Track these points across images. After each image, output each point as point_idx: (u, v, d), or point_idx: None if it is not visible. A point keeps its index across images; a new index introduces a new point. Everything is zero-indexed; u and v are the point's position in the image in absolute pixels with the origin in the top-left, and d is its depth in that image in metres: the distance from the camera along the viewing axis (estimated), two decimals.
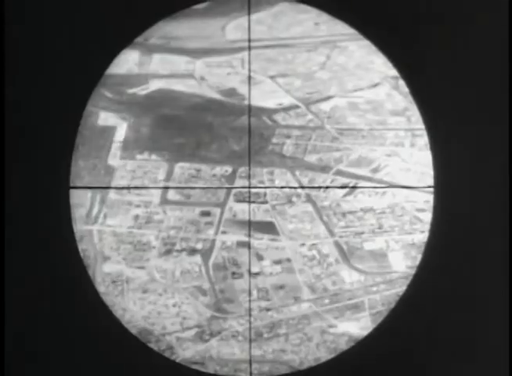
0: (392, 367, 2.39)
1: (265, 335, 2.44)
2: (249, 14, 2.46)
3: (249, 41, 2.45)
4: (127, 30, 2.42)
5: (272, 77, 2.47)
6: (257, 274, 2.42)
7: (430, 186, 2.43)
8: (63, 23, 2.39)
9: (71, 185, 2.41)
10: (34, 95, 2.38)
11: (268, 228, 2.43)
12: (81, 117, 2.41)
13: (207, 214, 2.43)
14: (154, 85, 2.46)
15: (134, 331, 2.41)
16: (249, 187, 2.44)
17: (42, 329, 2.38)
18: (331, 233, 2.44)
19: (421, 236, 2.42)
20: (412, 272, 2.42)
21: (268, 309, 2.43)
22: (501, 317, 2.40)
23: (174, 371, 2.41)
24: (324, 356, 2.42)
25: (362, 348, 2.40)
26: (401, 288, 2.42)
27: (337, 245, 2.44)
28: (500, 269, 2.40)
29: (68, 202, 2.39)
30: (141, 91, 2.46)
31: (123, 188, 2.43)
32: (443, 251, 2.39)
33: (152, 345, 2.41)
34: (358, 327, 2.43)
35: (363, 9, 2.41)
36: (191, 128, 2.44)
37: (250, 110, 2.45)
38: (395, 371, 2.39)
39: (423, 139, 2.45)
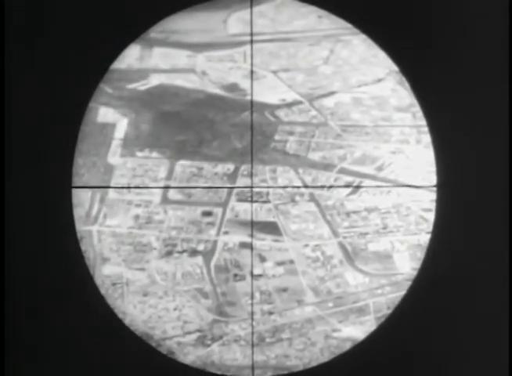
0: (391, 369, 2.41)
1: (268, 340, 2.46)
2: (251, 7, 2.49)
3: (251, 34, 2.48)
4: (132, 25, 2.46)
5: (274, 72, 2.49)
6: (259, 276, 2.45)
7: (433, 186, 2.45)
8: (65, 20, 2.43)
9: (72, 184, 2.45)
10: (34, 93, 2.42)
11: (271, 228, 2.46)
12: (84, 113, 2.45)
13: (208, 214, 2.46)
14: (155, 80, 2.49)
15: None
16: (251, 187, 2.47)
17: (42, 330, 2.42)
18: (335, 234, 2.46)
19: (427, 237, 2.44)
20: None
21: (270, 313, 2.46)
22: (502, 319, 2.42)
23: (180, 373, 2.45)
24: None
25: (362, 350, 2.42)
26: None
27: (341, 246, 2.46)
28: (503, 271, 2.42)
29: (70, 202, 2.43)
30: (141, 86, 2.49)
31: (124, 187, 2.46)
32: (445, 252, 2.40)
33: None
34: (362, 331, 2.44)
35: (362, 5, 2.44)
36: (192, 125, 2.47)
37: (253, 105, 2.48)
38: (395, 373, 2.42)
39: (429, 136, 2.46)
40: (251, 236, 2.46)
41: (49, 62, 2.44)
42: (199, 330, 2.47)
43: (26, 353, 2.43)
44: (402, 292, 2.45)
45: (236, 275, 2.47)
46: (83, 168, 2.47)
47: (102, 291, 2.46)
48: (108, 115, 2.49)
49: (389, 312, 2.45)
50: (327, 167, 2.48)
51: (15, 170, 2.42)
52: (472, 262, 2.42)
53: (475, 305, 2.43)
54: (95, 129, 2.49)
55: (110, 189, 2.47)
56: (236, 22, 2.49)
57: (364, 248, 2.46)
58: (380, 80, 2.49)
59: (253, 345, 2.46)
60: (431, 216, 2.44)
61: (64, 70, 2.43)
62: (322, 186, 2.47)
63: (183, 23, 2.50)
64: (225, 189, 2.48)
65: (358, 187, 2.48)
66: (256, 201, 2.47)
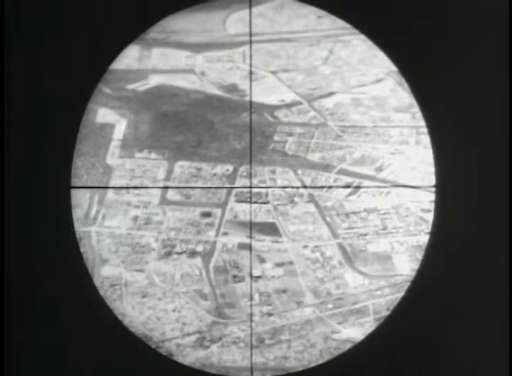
0: (391, 370, 2.42)
1: (267, 341, 2.46)
2: (250, 7, 2.49)
3: (250, 35, 2.49)
4: (131, 25, 2.47)
5: (273, 73, 2.50)
6: (258, 277, 2.45)
7: (432, 186, 2.45)
8: (65, 20, 2.44)
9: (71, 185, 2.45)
10: (34, 93, 2.42)
11: (270, 229, 2.46)
12: (83, 114, 2.45)
13: (207, 215, 2.47)
14: (154, 81, 2.50)
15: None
16: (250, 187, 2.47)
17: (42, 330, 2.42)
18: (334, 235, 2.46)
19: (426, 238, 2.44)
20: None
21: (270, 314, 2.46)
22: (502, 319, 2.43)
23: (179, 375, 2.45)
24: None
25: (361, 351, 2.42)
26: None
27: (341, 247, 2.46)
28: (502, 271, 2.42)
29: (69, 203, 2.43)
30: (140, 86, 2.49)
31: (123, 188, 2.47)
32: (444, 253, 2.41)
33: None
34: (361, 332, 2.44)
35: (361, 6, 2.44)
36: (191, 126, 2.47)
37: (252, 106, 2.48)
38: (394, 374, 2.42)
39: (428, 137, 2.46)
40: (250, 237, 2.46)
41: (49, 62, 2.44)
42: (198, 332, 2.47)
43: (26, 353, 2.44)
44: (402, 294, 2.45)
45: (235, 276, 2.47)
46: (82, 169, 2.47)
47: (101, 292, 2.46)
48: (107, 116, 2.50)
49: (388, 313, 2.45)
50: (326, 168, 2.49)
51: (14, 170, 2.42)
52: (471, 262, 2.42)
53: (474, 305, 2.43)
54: (94, 130, 2.49)
55: (109, 190, 2.47)
56: (235, 22, 2.50)
57: (363, 249, 2.46)
58: (379, 80, 2.50)
59: (252, 347, 2.46)
60: (430, 217, 2.45)
61: (63, 71, 2.44)
62: (322, 187, 2.48)
63: (182, 24, 2.51)
64: (224, 190, 2.48)
65: (357, 187, 2.48)
66: (255, 202, 2.48)
